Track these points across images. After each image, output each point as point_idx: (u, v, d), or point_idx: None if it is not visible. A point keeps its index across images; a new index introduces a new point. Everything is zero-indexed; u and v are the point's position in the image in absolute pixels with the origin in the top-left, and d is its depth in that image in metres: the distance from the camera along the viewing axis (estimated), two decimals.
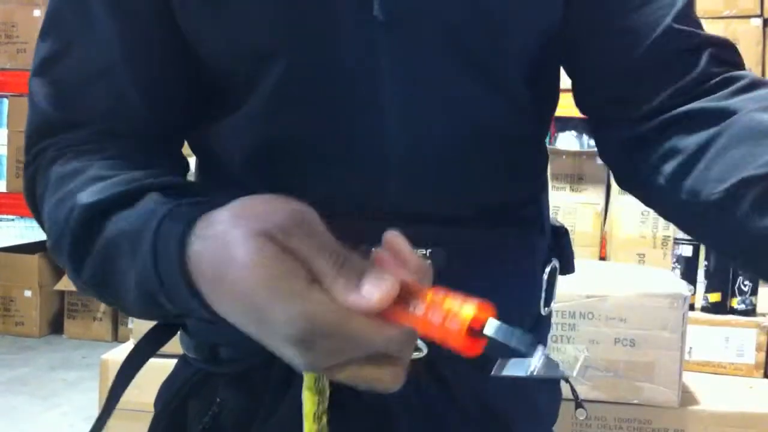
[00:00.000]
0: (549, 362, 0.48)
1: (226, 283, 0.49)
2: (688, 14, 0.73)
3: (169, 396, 0.80)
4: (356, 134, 0.70)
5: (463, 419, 0.75)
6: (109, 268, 0.61)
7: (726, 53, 0.73)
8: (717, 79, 0.71)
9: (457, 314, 0.48)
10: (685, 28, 0.72)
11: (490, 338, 0.47)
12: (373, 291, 0.48)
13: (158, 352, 0.78)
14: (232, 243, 0.49)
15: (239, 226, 0.49)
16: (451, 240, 0.72)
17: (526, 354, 0.47)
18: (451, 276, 0.71)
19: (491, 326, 0.48)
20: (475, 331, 0.48)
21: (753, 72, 0.72)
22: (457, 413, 0.75)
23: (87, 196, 0.63)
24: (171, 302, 0.56)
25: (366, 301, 0.47)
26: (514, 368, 0.49)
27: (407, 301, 0.49)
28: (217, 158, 0.76)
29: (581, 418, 1.52)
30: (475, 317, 0.48)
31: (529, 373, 0.48)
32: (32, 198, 0.72)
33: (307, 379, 0.56)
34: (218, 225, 0.51)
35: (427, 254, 0.71)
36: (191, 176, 0.81)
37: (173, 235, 0.54)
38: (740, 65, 0.73)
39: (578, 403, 0.94)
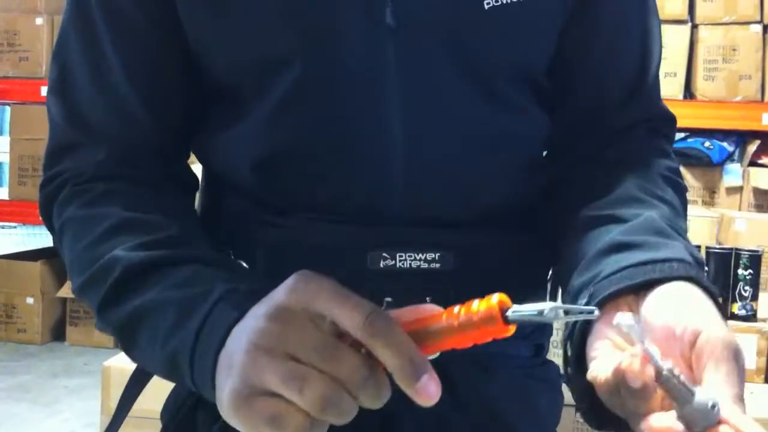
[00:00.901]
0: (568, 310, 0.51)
1: None
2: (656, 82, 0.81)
3: (176, 407, 0.80)
4: (360, 138, 0.71)
5: (466, 420, 0.76)
6: (140, 326, 0.63)
7: (666, 126, 0.81)
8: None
9: (485, 309, 0.50)
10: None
11: (517, 320, 0.50)
12: None
13: None
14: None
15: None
16: (457, 243, 0.73)
17: (552, 320, 0.50)
18: (457, 279, 0.72)
19: (514, 311, 0.51)
20: (502, 317, 0.51)
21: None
22: (460, 414, 0.76)
23: (129, 252, 0.65)
24: (191, 368, 0.59)
25: None
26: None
27: (431, 329, 0.52)
28: (224, 167, 0.76)
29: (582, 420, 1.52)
30: (500, 303, 0.51)
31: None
32: (49, 222, 0.75)
33: None
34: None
35: (437, 258, 0.72)
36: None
37: (225, 320, 0.57)
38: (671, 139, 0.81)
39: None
